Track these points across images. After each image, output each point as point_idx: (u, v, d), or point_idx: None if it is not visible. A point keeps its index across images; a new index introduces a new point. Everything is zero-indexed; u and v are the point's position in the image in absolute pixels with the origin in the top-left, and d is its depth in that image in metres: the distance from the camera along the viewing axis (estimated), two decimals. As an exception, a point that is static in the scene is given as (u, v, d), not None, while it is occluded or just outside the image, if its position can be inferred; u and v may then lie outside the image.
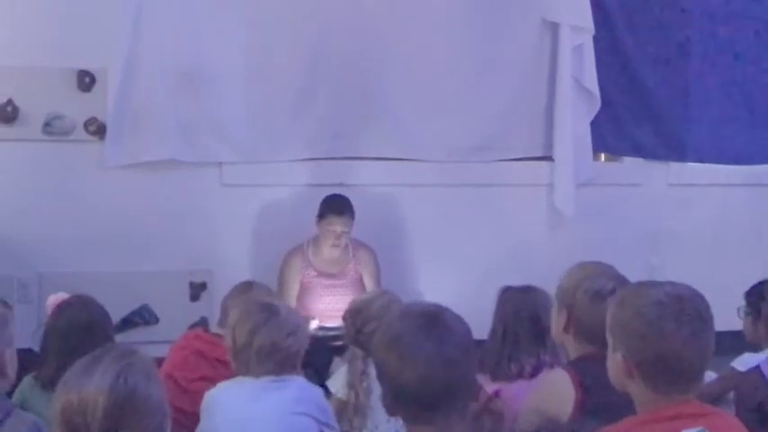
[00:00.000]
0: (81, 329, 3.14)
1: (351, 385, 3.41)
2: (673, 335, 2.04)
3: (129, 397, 2.02)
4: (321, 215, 4.91)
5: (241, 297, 3.62)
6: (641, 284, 2.18)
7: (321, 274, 4.98)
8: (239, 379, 3.03)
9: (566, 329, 2.76)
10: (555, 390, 2.64)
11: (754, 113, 5.94)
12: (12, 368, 2.45)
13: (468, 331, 2.03)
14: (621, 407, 2.17)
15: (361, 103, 5.32)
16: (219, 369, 3.33)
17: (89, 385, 2.01)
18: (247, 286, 3.80)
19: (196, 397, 3.17)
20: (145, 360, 2.13)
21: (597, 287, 2.70)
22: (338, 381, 3.60)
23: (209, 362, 3.54)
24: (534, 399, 2.76)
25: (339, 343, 4.15)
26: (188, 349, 3.68)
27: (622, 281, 2.71)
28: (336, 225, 4.88)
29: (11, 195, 4.86)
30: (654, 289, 2.11)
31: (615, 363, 2.13)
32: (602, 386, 2.37)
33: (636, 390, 2.11)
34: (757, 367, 3.59)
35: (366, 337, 3.42)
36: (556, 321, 2.82)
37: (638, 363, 2.07)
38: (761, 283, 3.85)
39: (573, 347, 2.76)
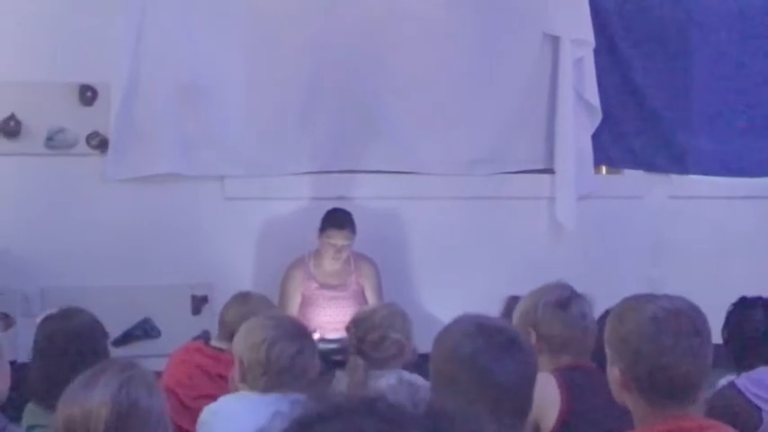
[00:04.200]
0: (60, 340, 3.05)
1: None
2: (669, 350, 2.04)
3: (132, 409, 2.03)
4: (322, 229, 4.92)
5: (240, 309, 3.60)
6: (638, 298, 2.18)
7: (323, 287, 4.99)
8: (244, 393, 3.00)
9: (539, 351, 2.69)
10: (540, 394, 2.64)
11: (756, 125, 5.93)
12: (2, 380, 2.45)
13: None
14: (604, 414, 2.17)
15: (363, 117, 5.33)
16: (223, 386, 3.30)
17: (91, 398, 2.02)
18: (245, 297, 3.79)
19: (198, 415, 3.14)
20: (146, 373, 2.15)
21: (555, 297, 2.80)
22: (340, 394, 3.58)
23: (213, 379, 3.52)
24: None
25: (339, 357, 4.15)
26: (190, 363, 3.67)
27: (577, 292, 2.83)
28: (337, 239, 4.89)
29: (13, 209, 4.88)
30: (650, 303, 2.11)
31: (613, 377, 2.13)
32: (586, 393, 2.39)
33: (633, 404, 2.11)
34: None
35: (369, 346, 3.41)
36: None
37: (635, 377, 2.07)
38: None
39: (548, 365, 2.75)
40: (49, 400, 2.82)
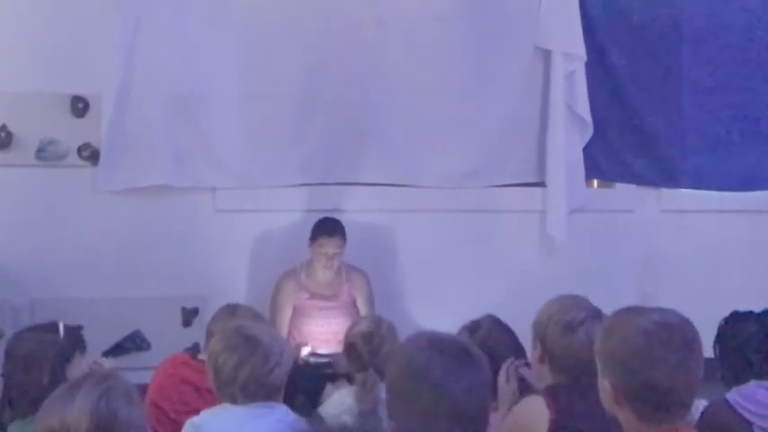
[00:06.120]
0: (13, 359, 3.01)
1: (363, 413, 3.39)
2: (660, 364, 2.04)
3: (111, 420, 2.03)
4: (313, 237, 4.94)
5: (226, 321, 3.57)
6: (629, 311, 2.18)
7: (314, 297, 4.98)
8: (226, 406, 2.97)
9: (541, 360, 2.83)
10: (529, 414, 2.69)
11: (747, 139, 5.94)
12: None
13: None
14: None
15: (356, 130, 5.34)
16: (210, 400, 3.28)
17: (71, 409, 2.02)
18: (232, 309, 3.77)
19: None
20: (125, 384, 2.14)
21: (568, 318, 2.79)
22: (331, 407, 3.57)
23: (201, 393, 3.49)
24: (508, 424, 2.80)
25: (330, 371, 4.14)
26: (177, 377, 3.64)
27: (595, 312, 2.81)
28: (328, 247, 4.90)
29: (4, 220, 4.87)
30: (641, 317, 2.11)
31: (604, 390, 2.13)
32: (576, 412, 2.41)
33: (624, 417, 2.11)
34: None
35: (383, 359, 3.39)
36: (532, 354, 2.90)
37: (626, 391, 2.07)
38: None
39: (548, 378, 2.83)
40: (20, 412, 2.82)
